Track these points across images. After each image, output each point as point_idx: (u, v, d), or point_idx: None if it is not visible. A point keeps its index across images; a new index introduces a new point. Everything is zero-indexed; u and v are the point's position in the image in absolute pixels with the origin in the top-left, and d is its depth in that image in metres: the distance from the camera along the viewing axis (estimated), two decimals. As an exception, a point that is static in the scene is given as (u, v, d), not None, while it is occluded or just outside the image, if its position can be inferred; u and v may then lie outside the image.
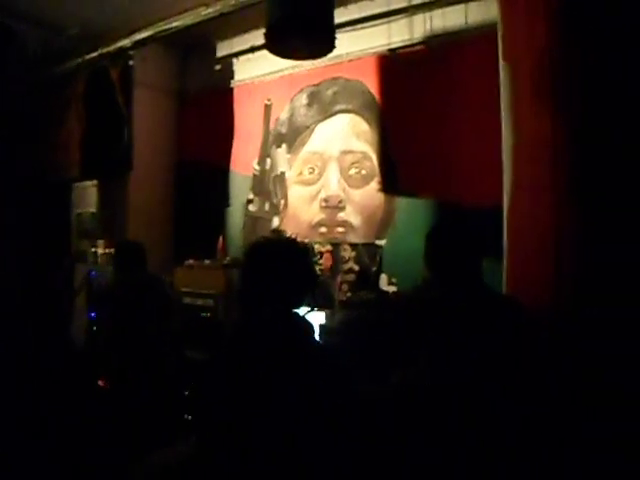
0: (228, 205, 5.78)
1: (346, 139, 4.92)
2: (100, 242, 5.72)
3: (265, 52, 5.31)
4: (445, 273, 2.19)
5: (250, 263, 1.74)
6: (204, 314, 4.54)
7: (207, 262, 4.91)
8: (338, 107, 5.01)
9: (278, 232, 1.69)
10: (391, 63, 4.71)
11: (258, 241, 1.77)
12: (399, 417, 1.93)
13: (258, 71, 5.61)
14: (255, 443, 1.55)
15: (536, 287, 2.95)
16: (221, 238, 5.24)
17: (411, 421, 1.91)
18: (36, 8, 5.16)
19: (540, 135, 3.02)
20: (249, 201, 5.59)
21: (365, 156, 4.81)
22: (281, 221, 5.28)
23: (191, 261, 4.97)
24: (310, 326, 1.75)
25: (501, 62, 3.60)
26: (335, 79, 5.03)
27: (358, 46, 4.83)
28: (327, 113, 5.07)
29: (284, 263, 1.69)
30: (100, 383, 4.69)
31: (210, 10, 4.78)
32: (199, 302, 4.64)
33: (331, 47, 3.11)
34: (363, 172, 4.80)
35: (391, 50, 4.67)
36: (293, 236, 1.76)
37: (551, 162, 3.02)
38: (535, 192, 3.05)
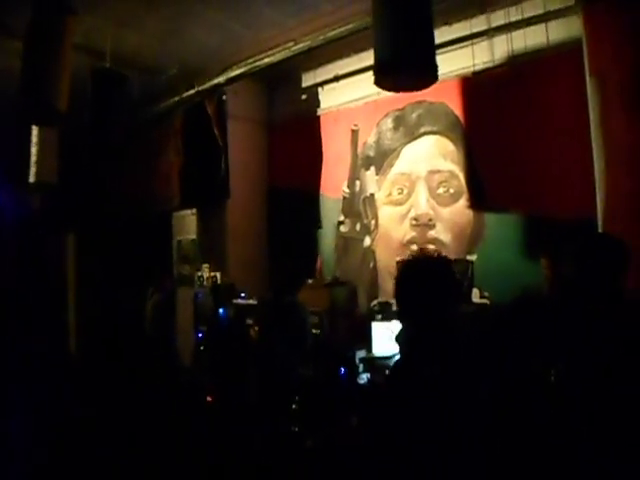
0: (320, 227, 6.03)
1: (433, 159, 5.09)
2: (205, 266, 6.09)
3: (349, 80, 5.65)
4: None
5: (408, 280, 1.91)
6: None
7: (310, 281, 5.17)
8: (423, 129, 5.18)
9: (423, 250, 1.87)
10: (474, 84, 4.85)
11: (410, 260, 1.95)
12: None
13: (343, 98, 5.87)
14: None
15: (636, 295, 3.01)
16: (319, 258, 5.47)
17: None
18: (141, 55, 5.67)
19: (636, 148, 3.10)
20: (340, 222, 5.81)
21: (452, 175, 4.96)
22: (372, 240, 5.49)
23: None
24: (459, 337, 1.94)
25: (588, 77, 3.70)
26: (419, 102, 5.19)
27: (441, 69, 4.86)
28: (413, 135, 5.24)
29: (439, 278, 1.87)
30: (209, 398, 5.01)
31: (299, 45, 5.10)
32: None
33: (435, 78, 3.29)
34: (451, 190, 4.95)
35: (474, 72, 4.81)
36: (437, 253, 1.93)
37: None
38: (633, 204, 3.12)
